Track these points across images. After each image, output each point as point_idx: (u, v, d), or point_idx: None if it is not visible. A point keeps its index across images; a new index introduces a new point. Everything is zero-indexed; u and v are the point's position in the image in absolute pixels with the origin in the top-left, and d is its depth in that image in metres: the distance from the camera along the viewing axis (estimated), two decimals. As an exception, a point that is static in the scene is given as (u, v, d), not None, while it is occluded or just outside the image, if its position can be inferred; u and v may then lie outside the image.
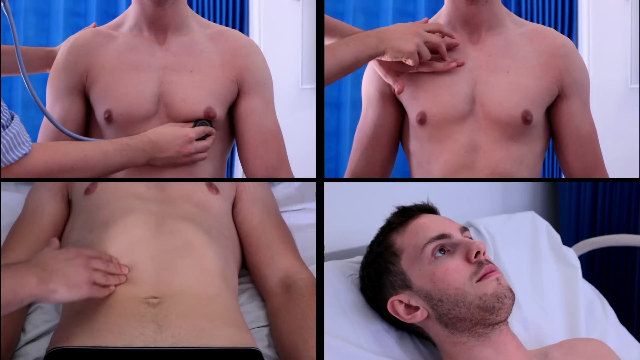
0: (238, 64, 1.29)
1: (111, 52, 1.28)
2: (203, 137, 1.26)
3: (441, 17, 1.29)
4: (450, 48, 1.26)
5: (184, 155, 1.24)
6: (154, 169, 1.25)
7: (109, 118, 1.25)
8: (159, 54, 1.28)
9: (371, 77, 1.33)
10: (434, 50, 1.24)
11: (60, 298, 1.00)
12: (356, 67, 1.24)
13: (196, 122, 1.26)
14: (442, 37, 1.25)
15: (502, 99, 1.23)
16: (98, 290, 1.06)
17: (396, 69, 1.27)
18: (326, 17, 1.29)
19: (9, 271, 0.97)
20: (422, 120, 1.26)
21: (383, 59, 1.23)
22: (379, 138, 1.32)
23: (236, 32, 1.37)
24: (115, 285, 1.09)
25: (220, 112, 1.28)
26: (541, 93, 1.24)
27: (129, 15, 1.30)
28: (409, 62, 1.23)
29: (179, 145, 1.23)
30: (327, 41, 1.28)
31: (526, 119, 1.23)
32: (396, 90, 1.27)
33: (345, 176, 1.35)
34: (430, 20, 1.32)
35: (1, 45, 1.30)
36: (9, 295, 0.94)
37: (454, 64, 1.25)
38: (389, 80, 1.28)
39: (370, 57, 1.23)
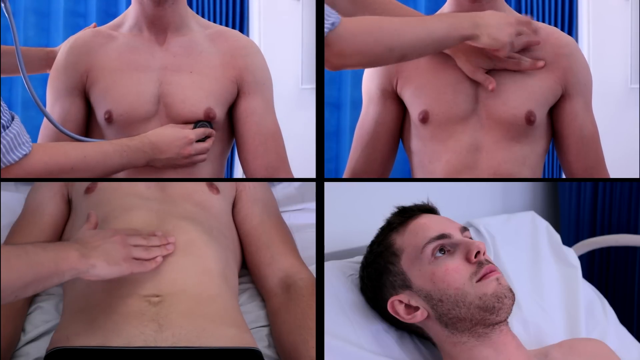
0: (238, 64, 1.29)
1: (111, 53, 1.28)
2: (203, 139, 1.26)
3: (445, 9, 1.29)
4: (532, 46, 1.24)
5: (184, 156, 1.24)
6: (155, 168, 1.25)
7: (109, 118, 1.25)
8: (159, 55, 1.28)
9: (372, 75, 1.32)
10: (523, 46, 1.23)
11: (99, 273, 1.01)
12: (444, 45, 1.20)
13: (196, 123, 1.26)
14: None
15: (506, 98, 1.23)
16: (141, 264, 1.07)
17: (482, 64, 1.23)
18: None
19: (51, 246, 0.99)
20: (424, 119, 1.26)
21: (474, 43, 1.19)
22: (380, 136, 1.32)
23: (236, 32, 1.37)
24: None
25: (220, 112, 1.28)
26: (545, 93, 1.24)
27: (129, 16, 1.30)
28: (501, 53, 1.20)
29: (179, 147, 1.23)
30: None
31: (530, 120, 1.23)
32: (489, 88, 1.22)
33: (345, 174, 1.35)
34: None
35: (1, 46, 1.30)
36: (52, 267, 0.95)
37: (541, 63, 1.23)
38: (479, 79, 1.24)
39: (462, 39, 1.18)
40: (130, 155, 1.19)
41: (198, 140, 1.25)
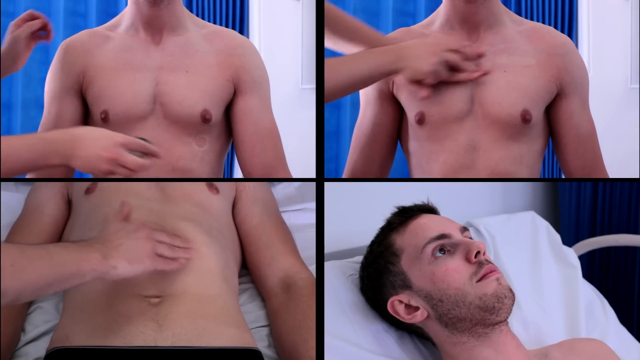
0: (234, 63, 1.29)
1: (107, 53, 1.28)
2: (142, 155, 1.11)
3: (439, 15, 1.29)
4: (475, 58, 1.24)
5: (106, 160, 1.07)
6: (153, 168, 1.25)
7: (105, 118, 1.25)
8: (155, 54, 1.28)
9: None
10: (453, 68, 1.23)
11: (122, 273, 0.98)
12: (369, 83, 1.23)
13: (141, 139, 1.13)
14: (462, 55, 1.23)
15: (501, 98, 1.23)
16: (164, 262, 1.04)
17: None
18: (329, 6, 1.26)
19: (73, 246, 0.97)
20: (420, 120, 1.26)
21: (399, 76, 1.22)
22: (378, 137, 1.32)
23: (232, 31, 1.37)
24: (186, 259, 1.07)
25: (216, 113, 1.28)
26: (540, 92, 1.24)
27: (125, 16, 1.31)
28: (426, 82, 1.21)
29: (103, 147, 1.08)
30: (328, 36, 1.27)
31: (525, 118, 1.23)
32: (421, 96, 1.24)
33: (344, 175, 1.35)
34: (428, 19, 1.32)
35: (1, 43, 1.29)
36: (73, 268, 0.93)
37: (476, 74, 1.23)
38: (413, 88, 1.25)
39: (385, 74, 1.22)
40: (44, 147, 1.07)
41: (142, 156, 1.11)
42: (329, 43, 1.28)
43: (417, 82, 1.23)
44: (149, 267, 1.02)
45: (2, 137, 1.06)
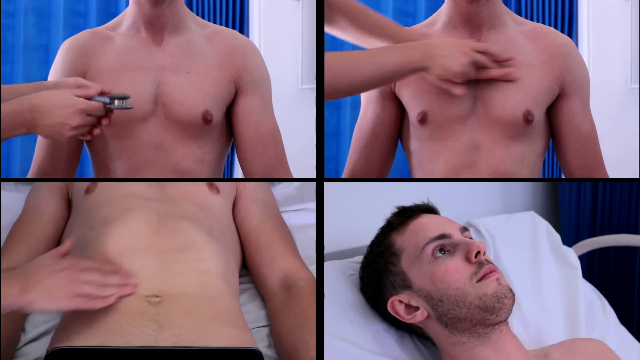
0: (235, 63, 1.29)
1: (109, 53, 1.28)
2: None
3: (441, 15, 1.29)
4: (502, 61, 1.23)
5: (71, 127, 1.09)
6: (154, 169, 1.25)
7: None
8: (157, 55, 1.28)
9: None
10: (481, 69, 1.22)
11: (39, 308, 1.00)
12: (396, 79, 1.22)
13: (112, 96, 1.15)
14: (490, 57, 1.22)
15: (503, 98, 1.23)
16: (87, 302, 1.03)
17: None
18: (351, 1, 1.24)
19: None
20: (423, 119, 1.26)
21: (426, 74, 1.20)
22: (378, 136, 1.32)
23: (233, 31, 1.37)
24: (121, 296, 1.06)
25: (217, 113, 1.28)
26: (542, 92, 1.24)
27: (127, 16, 1.31)
28: (455, 82, 1.20)
29: (65, 115, 1.08)
30: (351, 31, 1.25)
31: (527, 119, 1.23)
32: (457, 94, 1.21)
33: (344, 174, 1.35)
34: (430, 19, 1.31)
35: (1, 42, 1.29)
36: None
37: (510, 74, 1.22)
38: (444, 85, 1.23)
39: (414, 71, 1.19)
40: (6, 120, 1.07)
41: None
42: (351, 38, 1.26)
43: (445, 80, 1.21)
44: (66, 307, 1.02)
45: None
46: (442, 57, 1.18)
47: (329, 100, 1.17)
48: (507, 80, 1.23)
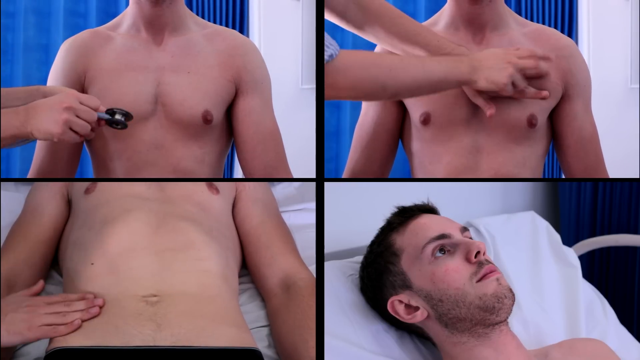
0: (235, 63, 1.29)
1: (109, 53, 1.28)
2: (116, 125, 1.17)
3: (443, 16, 1.29)
4: (547, 60, 1.22)
5: (61, 122, 1.10)
6: (154, 168, 1.25)
7: None
8: (157, 55, 1.28)
9: None
10: (529, 76, 1.21)
11: (4, 342, 1.03)
12: (439, 89, 1.19)
13: (113, 111, 1.17)
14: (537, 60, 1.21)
15: (508, 101, 1.22)
16: (51, 330, 1.05)
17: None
18: (391, 7, 1.23)
19: None
20: (425, 120, 1.26)
21: (474, 87, 1.19)
22: (379, 136, 1.32)
23: (233, 31, 1.37)
24: (84, 320, 1.07)
25: (217, 113, 1.28)
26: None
27: (127, 16, 1.31)
28: (503, 93, 1.19)
29: (55, 110, 1.10)
30: (387, 38, 1.24)
31: (532, 123, 1.23)
32: (488, 114, 1.20)
33: (344, 174, 1.35)
34: (432, 19, 1.31)
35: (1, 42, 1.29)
36: None
37: (545, 93, 1.21)
38: (479, 103, 1.22)
39: (459, 83, 1.19)
40: (4, 124, 1.11)
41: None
42: (386, 45, 1.25)
43: (479, 97, 1.20)
44: (31, 338, 1.06)
45: None
46: (489, 69, 1.17)
47: (329, 100, 1.16)
48: (541, 98, 1.22)
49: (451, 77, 1.17)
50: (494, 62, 1.18)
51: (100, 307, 1.09)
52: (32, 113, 1.11)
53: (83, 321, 1.07)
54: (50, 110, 1.11)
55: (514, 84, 1.19)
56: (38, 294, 1.19)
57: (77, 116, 1.12)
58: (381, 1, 1.24)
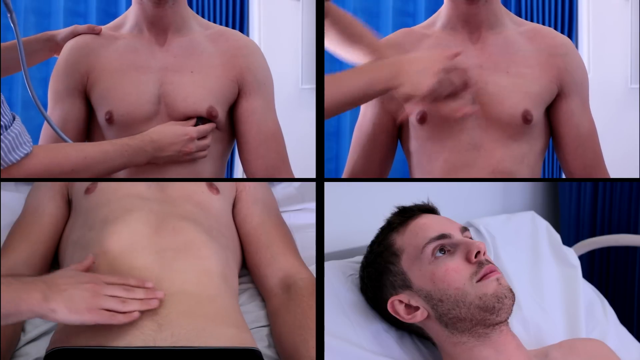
0: (238, 64, 1.29)
1: (112, 54, 1.28)
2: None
3: (440, 16, 1.29)
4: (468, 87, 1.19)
5: (185, 153, 1.24)
6: (155, 168, 1.25)
7: (110, 119, 1.25)
8: (160, 55, 1.28)
9: None
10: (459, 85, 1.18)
11: (59, 318, 0.97)
12: (363, 101, 1.19)
13: (198, 120, 1.26)
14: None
15: (502, 98, 1.23)
16: (109, 317, 1.00)
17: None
18: (333, 6, 1.23)
19: (18, 283, 0.96)
20: (422, 119, 1.26)
21: (397, 93, 1.15)
22: (378, 137, 1.32)
23: (236, 32, 1.37)
24: (143, 311, 1.04)
25: (221, 111, 1.28)
26: (541, 92, 1.24)
27: (129, 16, 1.31)
28: (427, 100, 1.16)
29: (181, 144, 1.23)
30: (332, 37, 1.25)
31: (526, 119, 1.23)
32: (462, 114, 1.19)
33: (344, 174, 1.35)
34: (429, 20, 1.32)
35: (1, 43, 1.30)
36: (11, 307, 0.93)
37: (468, 109, 1.19)
38: (447, 110, 1.19)
39: (382, 92, 1.16)
40: (131, 154, 1.19)
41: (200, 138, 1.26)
42: (330, 45, 1.27)
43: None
44: (87, 321, 0.99)
45: (95, 143, 1.22)
46: (413, 73, 1.13)
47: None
48: (462, 116, 1.19)
49: (371, 89, 1.14)
50: (420, 66, 1.14)
51: (160, 301, 1.05)
52: (158, 150, 1.23)
53: (141, 313, 1.02)
54: (176, 149, 1.24)
55: (438, 92, 1.15)
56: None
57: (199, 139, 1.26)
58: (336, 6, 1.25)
